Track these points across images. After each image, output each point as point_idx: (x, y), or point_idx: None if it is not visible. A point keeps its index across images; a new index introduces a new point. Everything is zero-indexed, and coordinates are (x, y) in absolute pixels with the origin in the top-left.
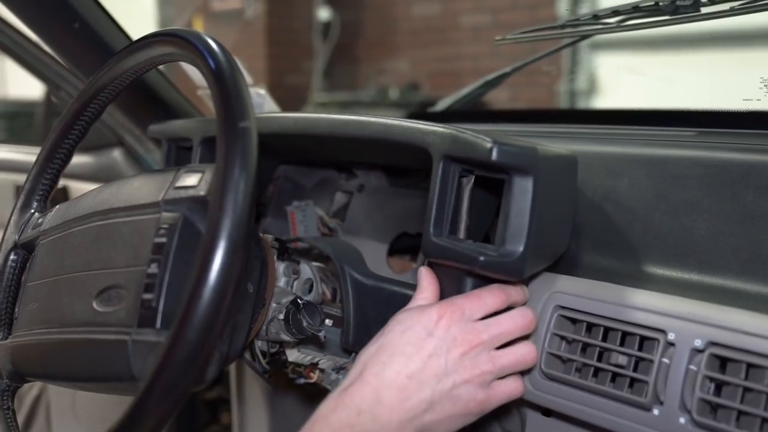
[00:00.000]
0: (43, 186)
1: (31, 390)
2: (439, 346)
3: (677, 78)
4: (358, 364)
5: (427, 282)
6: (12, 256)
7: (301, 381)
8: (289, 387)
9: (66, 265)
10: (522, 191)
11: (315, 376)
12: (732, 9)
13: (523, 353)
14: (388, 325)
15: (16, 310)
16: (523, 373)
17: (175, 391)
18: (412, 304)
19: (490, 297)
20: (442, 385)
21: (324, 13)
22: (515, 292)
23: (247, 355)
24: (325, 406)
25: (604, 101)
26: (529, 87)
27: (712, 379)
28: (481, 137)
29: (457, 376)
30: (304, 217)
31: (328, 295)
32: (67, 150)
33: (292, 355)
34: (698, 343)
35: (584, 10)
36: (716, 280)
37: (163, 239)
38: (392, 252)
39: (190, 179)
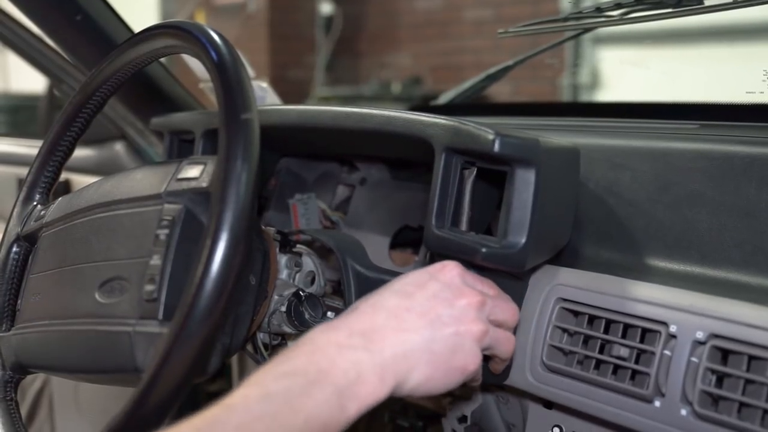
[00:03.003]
0: (46, 178)
1: (34, 382)
2: (443, 290)
3: (680, 71)
4: (354, 305)
5: None
6: (14, 248)
7: None
8: None
9: (68, 257)
10: (524, 183)
11: None
12: (735, 2)
13: (509, 338)
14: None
15: (19, 302)
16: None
17: (177, 383)
18: None
19: (485, 284)
20: (445, 329)
21: (326, 7)
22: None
23: (249, 348)
24: (315, 330)
25: (606, 95)
26: (532, 81)
27: (713, 371)
28: (484, 129)
29: (462, 326)
30: (306, 210)
31: (330, 287)
32: (69, 142)
33: None
34: (700, 335)
35: (587, 3)
36: (718, 273)
37: (165, 231)
38: (394, 245)
39: (192, 171)
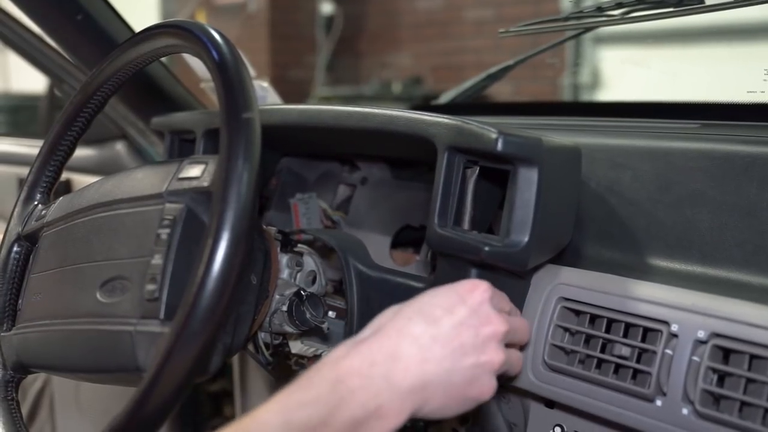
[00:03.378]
0: (46, 178)
1: (34, 382)
2: (471, 317)
3: (681, 71)
4: (374, 323)
5: None
6: (15, 248)
7: None
8: (291, 379)
9: (69, 257)
10: (527, 182)
11: None
12: (736, 1)
13: (520, 357)
14: (412, 300)
15: (20, 301)
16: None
17: (179, 382)
18: None
19: (506, 301)
20: (466, 359)
21: (327, 7)
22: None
23: (251, 347)
24: (337, 352)
25: (607, 95)
26: (532, 81)
27: (715, 371)
28: (486, 128)
29: (483, 356)
30: (307, 209)
31: (331, 287)
32: (70, 142)
33: (296, 347)
34: (701, 334)
35: (588, 2)
36: (719, 272)
37: (167, 230)
38: (395, 244)
39: (194, 170)
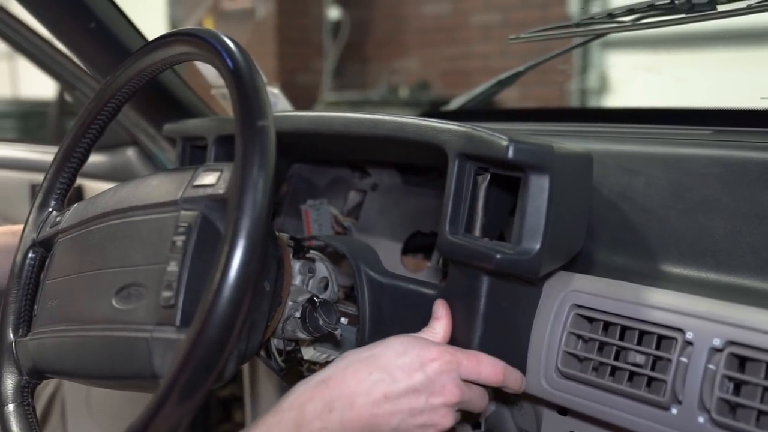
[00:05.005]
0: (61, 185)
1: (46, 387)
2: (425, 385)
3: (692, 76)
4: (344, 360)
5: (442, 318)
6: (30, 254)
7: None
8: None
9: (85, 263)
10: (538, 189)
11: None
12: (749, 7)
13: (483, 395)
14: (387, 340)
15: (35, 307)
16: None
17: (196, 389)
18: (421, 333)
19: (489, 369)
20: (412, 420)
21: (334, 13)
22: (513, 379)
23: (263, 353)
24: (303, 393)
25: (615, 100)
26: (540, 86)
27: (731, 379)
28: (498, 135)
29: (429, 419)
30: (318, 215)
31: (342, 293)
32: (84, 149)
33: (308, 353)
34: (717, 342)
35: (596, 8)
36: (734, 279)
37: (182, 237)
38: (406, 251)
39: (209, 178)
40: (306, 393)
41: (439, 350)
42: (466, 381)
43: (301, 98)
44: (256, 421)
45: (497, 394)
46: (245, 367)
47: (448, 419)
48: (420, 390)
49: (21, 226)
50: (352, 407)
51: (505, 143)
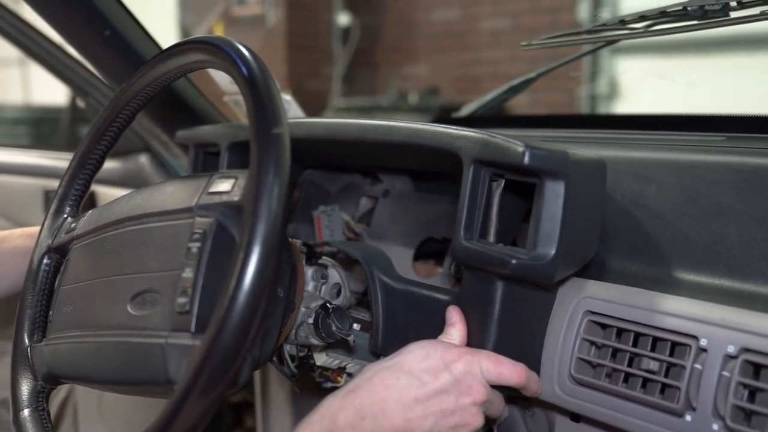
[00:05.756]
0: (76, 191)
1: (59, 391)
2: (452, 386)
3: (704, 82)
4: (368, 371)
5: (456, 323)
6: (45, 260)
7: (328, 385)
8: (315, 391)
9: (100, 269)
10: (553, 195)
11: (342, 380)
12: (762, 13)
13: (500, 400)
14: (408, 347)
15: (51, 313)
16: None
17: (211, 395)
18: (440, 338)
19: (510, 369)
20: (445, 421)
21: (343, 19)
22: (533, 381)
23: (275, 359)
24: (333, 403)
25: (625, 105)
26: (550, 91)
27: (745, 386)
28: (513, 141)
29: (461, 419)
30: (330, 221)
31: (354, 299)
32: (99, 156)
33: (320, 359)
34: (731, 349)
35: (605, 13)
36: (748, 286)
37: (197, 244)
38: (417, 257)
39: (224, 185)
40: (336, 403)
41: (461, 351)
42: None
43: (310, 104)
44: None
45: (510, 400)
46: (256, 373)
47: (479, 418)
48: (449, 390)
49: (37, 228)
50: (384, 413)
51: (521, 149)
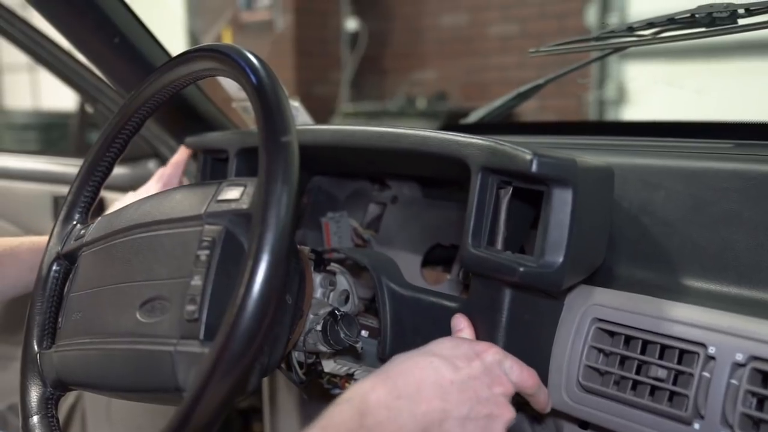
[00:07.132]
0: (85, 198)
1: (67, 397)
2: (484, 374)
3: (712, 88)
4: (397, 359)
5: (464, 330)
6: (54, 267)
7: (336, 391)
8: (323, 397)
9: (109, 276)
10: (561, 203)
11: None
12: None
13: (546, 393)
14: (434, 341)
15: (60, 320)
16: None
17: (220, 402)
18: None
19: (526, 372)
20: (481, 408)
21: (352, 24)
22: (544, 392)
23: (284, 366)
24: (362, 386)
25: (633, 111)
26: (557, 97)
27: (754, 394)
28: (521, 149)
29: (496, 410)
30: (338, 228)
31: (362, 305)
32: (108, 163)
33: (329, 365)
34: (739, 357)
35: (613, 19)
36: (756, 293)
37: (206, 252)
38: (425, 263)
39: (233, 193)
40: (366, 385)
41: (488, 344)
42: None
43: (318, 109)
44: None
45: (518, 407)
46: (265, 379)
47: (511, 410)
48: (482, 378)
49: (45, 238)
50: (420, 394)
51: (528, 157)
